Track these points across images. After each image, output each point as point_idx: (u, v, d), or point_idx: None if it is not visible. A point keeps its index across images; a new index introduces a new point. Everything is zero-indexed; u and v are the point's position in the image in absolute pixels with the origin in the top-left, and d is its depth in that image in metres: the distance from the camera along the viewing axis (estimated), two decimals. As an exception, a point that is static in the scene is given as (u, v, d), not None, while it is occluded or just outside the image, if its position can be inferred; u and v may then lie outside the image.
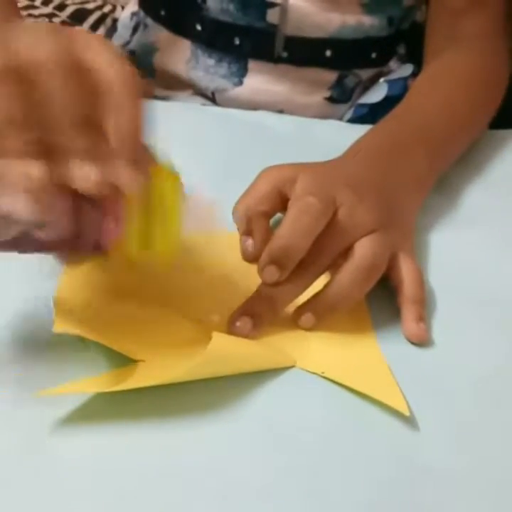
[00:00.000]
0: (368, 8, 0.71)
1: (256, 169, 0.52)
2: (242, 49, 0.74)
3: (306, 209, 0.46)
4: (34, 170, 0.34)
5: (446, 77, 0.67)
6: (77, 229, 0.37)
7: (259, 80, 0.75)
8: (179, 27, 0.76)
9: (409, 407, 0.41)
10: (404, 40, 0.76)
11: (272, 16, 0.71)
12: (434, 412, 0.42)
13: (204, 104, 0.77)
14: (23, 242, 0.37)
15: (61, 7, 0.86)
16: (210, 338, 0.40)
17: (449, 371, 0.45)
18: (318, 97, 0.75)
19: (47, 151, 0.34)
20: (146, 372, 0.41)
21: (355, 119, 0.74)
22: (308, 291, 0.47)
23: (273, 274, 0.45)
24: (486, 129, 0.68)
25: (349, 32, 0.72)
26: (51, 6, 0.86)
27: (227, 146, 0.64)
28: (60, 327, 0.39)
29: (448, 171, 0.62)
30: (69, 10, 0.86)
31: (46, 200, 0.34)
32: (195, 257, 0.51)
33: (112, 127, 0.35)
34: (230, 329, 0.45)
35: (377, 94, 0.74)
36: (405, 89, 0.72)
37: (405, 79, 0.74)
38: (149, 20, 0.78)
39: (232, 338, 0.45)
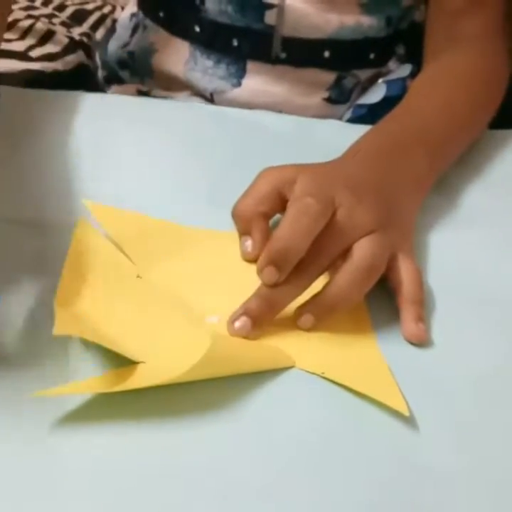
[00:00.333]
0: (367, 8, 0.71)
1: (255, 169, 0.52)
2: (240, 50, 0.74)
3: (305, 210, 0.46)
4: None
5: (446, 78, 0.67)
6: None
7: (258, 81, 0.75)
8: (177, 28, 0.76)
9: (409, 407, 0.41)
10: (403, 40, 0.76)
11: (270, 17, 0.71)
12: (434, 412, 0.42)
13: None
14: None
15: (61, 8, 0.86)
16: (209, 339, 0.39)
17: (449, 371, 0.45)
18: (316, 98, 0.75)
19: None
20: (146, 373, 0.41)
21: (354, 120, 0.74)
22: (308, 292, 0.47)
23: (272, 275, 0.45)
24: (486, 129, 0.68)
25: (347, 33, 0.72)
26: (51, 6, 0.86)
27: (226, 146, 0.64)
28: (61, 329, 0.39)
29: (448, 171, 0.62)
30: (69, 11, 0.86)
31: None
32: (194, 257, 0.51)
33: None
34: (230, 330, 0.45)
35: (375, 94, 0.74)
36: (404, 90, 0.72)
37: (404, 79, 0.74)
38: (148, 22, 0.78)
39: (232, 339, 0.45)
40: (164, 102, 0.75)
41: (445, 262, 0.54)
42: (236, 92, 0.75)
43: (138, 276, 0.48)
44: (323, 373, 0.43)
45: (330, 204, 0.47)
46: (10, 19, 0.75)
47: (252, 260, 0.50)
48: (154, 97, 0.78)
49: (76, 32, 0.85)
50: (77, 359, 0.42)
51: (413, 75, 0.73)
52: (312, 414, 0.41)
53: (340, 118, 0.76)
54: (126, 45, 0.81)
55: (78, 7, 0.88)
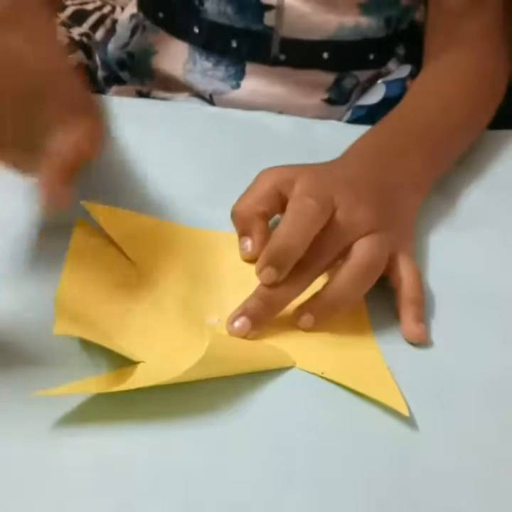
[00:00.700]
0: (366, 9, 0.71)
1: (255, 169, 0.52)
2: (239, 51, 0.74)
3: (303, 210, 0.46)
4: None
5: (446, 78, 0.67)
6: None
7: (257, 83, 0.75)
8: (177, 29, 0.76)
9: (408, 407, 0.41)
10: (402, 40, 0.76)
11: (269, 18, 0.71)
12: (434, 413, 0.42)
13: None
14: None
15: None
16: (209, 339, 0.40)
17: (449, 371, 0.45)
18: (316, 99, 0.75)
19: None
20: (146, 373, 0.41)
21: (354, 121, 0.74)
22: (308, 292, 0.47)
23: (271, 275, 0.45)
24: (486, 129, 0.68)
25: (346, 33, 0.72)
26: (50, 7, 0.86)
27: (226, 147, 0.64)
28: (61, 329, 0.39)
29: (448, 171, 0.62)
30: (68, 11, 0.86)
31: None
32: (194, 258, 0.51)
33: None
34: (229, 330, 0.45)
35: (375, 95, 0.74)
36: (403, 91, 0.72)
37: (403, 80, 0.74)
38: (148, 23, 0.78)
39: (232, 339, 0.45)
40: (164, 102, 0.75)
41: (445, 262, 0.54)
42: (235, 94, 0.75)
43: (138, 277, 0.48)
44: (322, 373, 0.43)
45: (329, 204, 0.47)
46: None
47: (252, 260, 0.50)
48: (154, 98, 0.79)
49: (76, 32, 0.85)
50: (77, 359, 0.42)
51: (412, 75, 0.73)
52: (312, 414, 0.41)
53: (339, 119, 0.76)
54: (125, 45, 0.81)
55: (78, 7, 0.88)
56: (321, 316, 0.46)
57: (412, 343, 0.47)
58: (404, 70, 0.74)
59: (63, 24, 0.84)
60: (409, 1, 0.74)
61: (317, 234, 0.46)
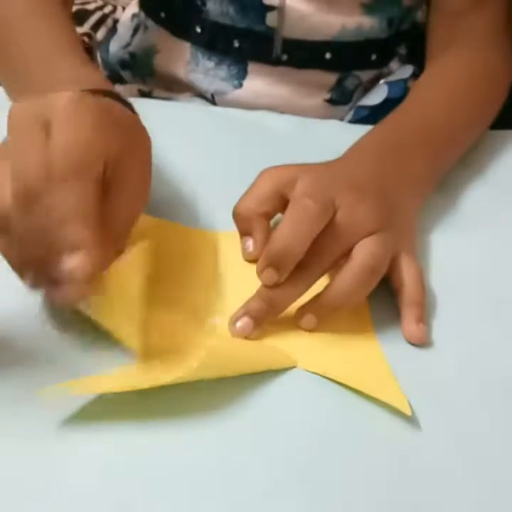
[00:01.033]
0: (368, 9, 0.71)
1: (256, 169, 0.52)
2: (241, 52, 0.74)
3: (304, 211, 0.46)
4: None
5: (448, 78, 0.67)
6: None
7: (259, 83, 0.75)
8: (179, 29, 0.76)
9: (411, 406, 0.41)
10: (404, 41, 0.76)
11: (271, 18, 0.71)
12: (435, 413, 0.42)
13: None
14: None
15: (62, 8, 0.86)
16: (211, 340, 0.39)
17: (450, 372, 0.45)
18: (318, 99, 0.75)
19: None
20: (148, 374, 0.41)
21: (356, 121, 0.74)
22: (310, 292, 0.47)
23: (271, 276, 0.45)
24: (488, 129, 0.68)
25: (349, 34, 0.72)
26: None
27: (227, 146, 0.64)
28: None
29: (449, 171, 0.62)
30: (69, 11, 0.87)
31: None
32: (195, 258, 0.51)
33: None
34: (231, 330, 0.45)
35: (377, 96, 0.74)
36: (405, 91, 0.72)
37: (405, 80, 0.74)
38: (150, 22, 0.78)
39: (233, 340, 0.45)
40: (166, 102, 0.75)
41: (446, 263, 0.54)
42: (237, 94, 0.75)
43: (139, 277, 0.48)
44: (324, 373, 0.43)
45: (330, 205, 0.47)
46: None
47: (254, 260, 0.50)
48: (156, 97, 0.78)
49: (77, 32, 0.84)
50: (77, 359, 0.42)
51: (415, 75, 0.73)
52: (314, 414, 0.41)
53: (341, 119, 0.76)
54: (127, 45, 0.81)
55: (79, 7, 0.88)
56: (322, 316, 0.46)
57: (412, 344, 0.47)
58: (407, 71, 0.74)
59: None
60: (411, 1, 0.74)
61: (319, 235, 0.46)
